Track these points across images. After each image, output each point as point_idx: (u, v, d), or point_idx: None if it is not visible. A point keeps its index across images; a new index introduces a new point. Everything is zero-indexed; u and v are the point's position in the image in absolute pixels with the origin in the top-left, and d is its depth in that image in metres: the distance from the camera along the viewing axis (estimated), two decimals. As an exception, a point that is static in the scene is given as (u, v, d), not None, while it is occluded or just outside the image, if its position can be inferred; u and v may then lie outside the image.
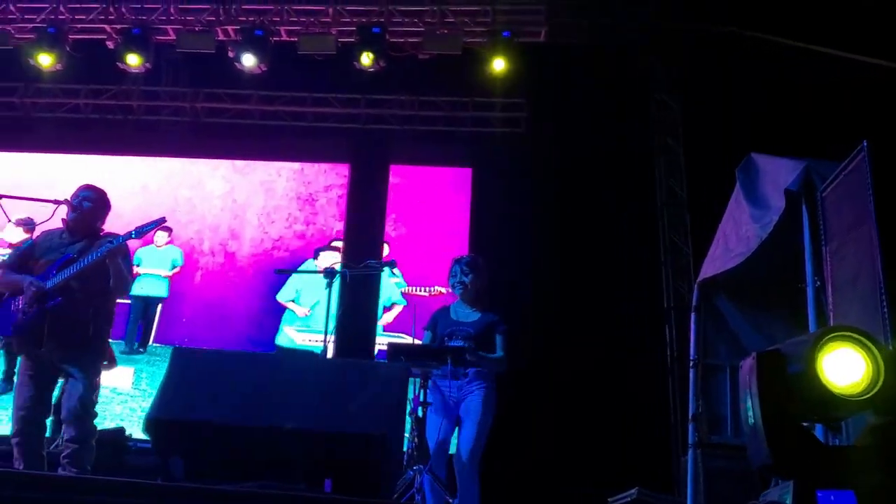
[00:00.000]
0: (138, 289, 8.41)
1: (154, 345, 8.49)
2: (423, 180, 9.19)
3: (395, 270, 8.23)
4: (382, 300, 8.51)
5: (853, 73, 6.86)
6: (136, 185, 8.96)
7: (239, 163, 9.23)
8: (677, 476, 6.61)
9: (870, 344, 2.79)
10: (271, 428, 2.81)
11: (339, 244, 8.81)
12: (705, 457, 5.13)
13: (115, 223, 4.91)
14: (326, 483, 3.04)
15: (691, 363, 5.46)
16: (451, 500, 4.65)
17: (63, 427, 4.53)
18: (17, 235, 7.54)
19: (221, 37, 8.40)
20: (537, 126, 8.71)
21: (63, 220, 4.69)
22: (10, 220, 5.03)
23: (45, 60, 8.19)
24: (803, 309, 4.31)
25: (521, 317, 6.87)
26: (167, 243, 8.78)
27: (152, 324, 8.57)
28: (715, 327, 5.47)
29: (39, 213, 4.84)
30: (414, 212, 8.91)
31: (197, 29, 8.33)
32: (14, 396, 4.51)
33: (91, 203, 4.70)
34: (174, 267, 8.72)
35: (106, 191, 4.84)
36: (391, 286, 8.52)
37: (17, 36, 8.41)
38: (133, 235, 4.49)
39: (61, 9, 8.36)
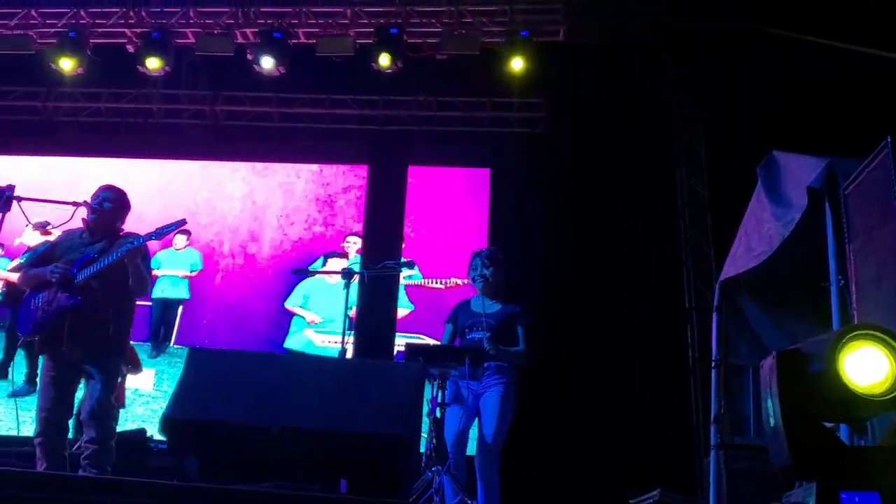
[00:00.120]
0: (157, 291, 8.46)
1: (175, 346, 8.53)
2: (441, 181, 9.17)
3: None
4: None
5: (868, 69, 6.76)
6: (157, 187, 9.02)
7: (258, 165, 9.27)
8: (699, 477, 6.55)
9: (893, 343, 2.73)
10: (286, 428, 2.80)
11: (352, 241, 8.78)
12: (728, 458, 5.06)
13: (137, 225, 4.94)
14: (342, 483, 3.03)
15: (713, 363, 5.39)
16: (469, 502, 4.63)
17: (83, 428, 4.56)
18: (35, 239, 7.60)
19: (240, 40, 8.45)
20: (555, 126, 8.67)
21: (83, 220, 4.73)
22: (29, 223, 5.06)
23: (67, 65, 8.28)
24: (827, 308, 4.24)
25: (543, 315, 6.84)
26: (186, 246, 8.83)
27: (172, 326, 8.61)
28: (737, 327, 5.41)
29: (56, 217, 4.88)
30: (431, 212, 8.89)
31: (216, 32, 8.39)
32: (37, 397, 4.54)
33: (111, 203, 4.73)
34: (193, 270, 8.76)
35: (125, 191, 4.88)
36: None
37: (39, 41, 8.51)
38: (153, 236, 4.51)
39: (82, 13, 8.45)
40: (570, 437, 7.39)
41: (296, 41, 8.40)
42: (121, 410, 6.06)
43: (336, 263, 8.53)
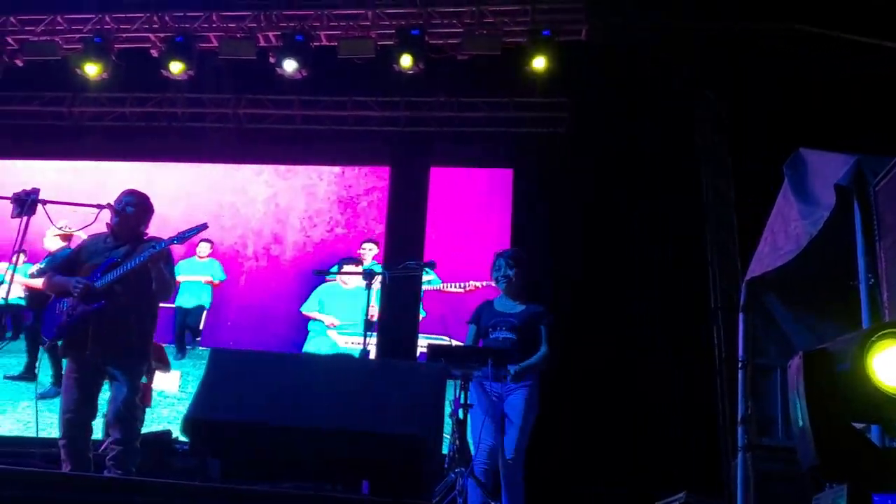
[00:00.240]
0: (179, 300, 8.51)
1: (201, 348, 8.58)
2: (463, 182, 9.14)
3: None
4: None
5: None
6: (181, 190, 9.08)
7: (281, 167, 9.30)
8: (726, 480, 6.47)
9: (925, 342, 2.66)
10: (308, 428, 2.79)
11: (368, 248, 8.78)
12: (755, 460, 4.99)
13: (160, 228, 4.98)
14: (364, 485, 3.02)
15: (740, 364, 5.32)
16: (492, 504, 4.60)
17: (109, 429, 4.59)
18: (55, 244, 7.68)
19: (263, 43, 8.50)
20: (579, 125, 8.60)
21: (107, 224, 4.76)
22: (53, 225, 5.11)
23: (92, 70, 8.39)
24: (856, 307, 4.16)
25: (566, 315, 6.80)
26: (209, 255, 8.86)
27: (195, 333, 8.66)
28: (764, 327, 5.33)
29: (77, 220, 4.92)
30: (453, 214, 8.86)
31: (239, 36, 8.44)
32: (60, 399, 4.59)
33: (134, 207, 4.76)
34: (214, 280, 8.79)
35: (149, 195, 4.91)
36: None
37: (65, 47, 8.61)
38: (175, 240, 4.54)
39: (107, 19, 8.54)
40: (601, 438, 7.34)
41: (317, 44, 8.43)
42: (146, 412, 6.12)
43: (351, 270, 8.53)
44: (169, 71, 8.38)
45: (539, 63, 7.96)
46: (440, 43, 8.31)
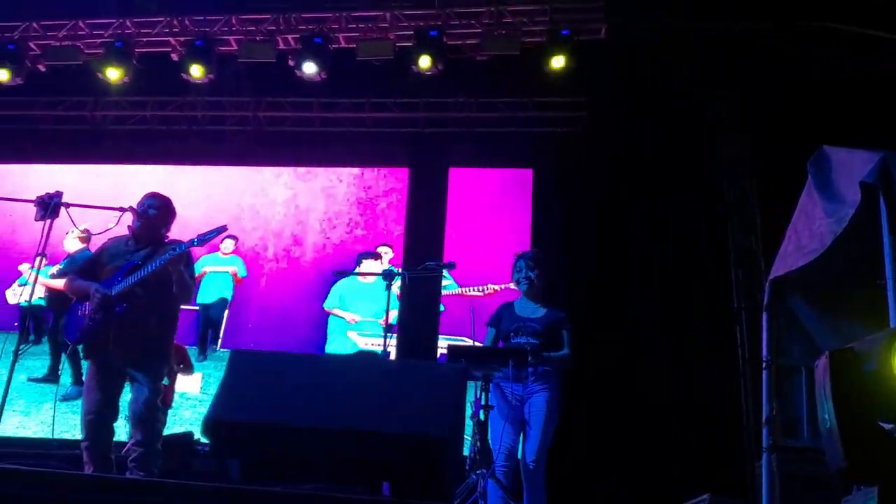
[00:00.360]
0: (201, 297, 8.55)
1: (222, 350, 8.62)
2: (482, 182, 9.11)
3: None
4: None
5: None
6: (202, 193, 9.13)
7: (301, 169, 9.33)
8: (751, 481, 6.39)
9: (953, 341, 2.61)
10: (328, 429, 2.78)
11: (384, 249, 8.79)
12: (780, 461, 4.93)
13: (181, 231, 5.00)
14: (385, 486, 3.00)
15: (764, 364, 5.26)
16: (514, 506, 4.58)
17: (131, 431, 4.62)
18: (75, 245, 7.76)
19: (282, 46, 8.52)
20: (598, 125, 8.55)
21: (129, 227, 4.79)
22: (76, 226, 5.15)
23: (114, 74, 8.45)
24: (882, 306, 4.10)
25: (586, 316, 6.76)
26: (233, 252, 8.91)
27: (218, 328, 8.69)
28: (788, 327, 5.26)
29: (97, 223, 4.94)
30: (473, 215, 8.84)
31: (258, 39, 8.46)
32: (82, 401, 4.62)
33: (156, 210, 4.79)
34: (238, 273, 8.84)
35: (171, 198, 4.94)
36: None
37: (87, 51, 8.68)
38: (195, 243, 4.56)
39: (127, 23, 8.61)
40: (625, 439, 7.30)
41: (336, 46, 8.44)
42: (168, 414, 6.15)
43: (370, 265, 8.54)
44: (189, 74, 8.43)
45: (558, 62, 7.92)
46: (459, 44, 8.29)
